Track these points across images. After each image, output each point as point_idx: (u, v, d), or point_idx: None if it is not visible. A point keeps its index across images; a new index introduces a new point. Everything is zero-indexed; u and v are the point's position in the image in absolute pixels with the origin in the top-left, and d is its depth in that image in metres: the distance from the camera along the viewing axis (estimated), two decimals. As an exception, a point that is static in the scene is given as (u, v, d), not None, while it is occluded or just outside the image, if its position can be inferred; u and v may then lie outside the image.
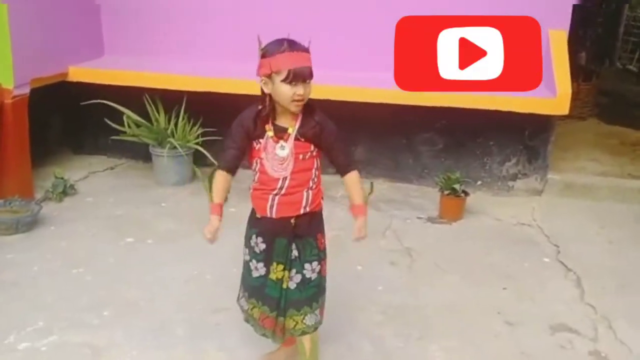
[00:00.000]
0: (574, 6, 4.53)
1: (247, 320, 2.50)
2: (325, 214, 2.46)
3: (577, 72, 5.78)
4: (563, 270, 3.67)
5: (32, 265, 3.46)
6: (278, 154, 2.22)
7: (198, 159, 4.92)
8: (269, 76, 2.14)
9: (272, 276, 2.36)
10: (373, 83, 4.49)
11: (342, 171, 2.37)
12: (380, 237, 4.02)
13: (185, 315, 3.02)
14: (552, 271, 3.67)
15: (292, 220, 2.30)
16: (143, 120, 4.81)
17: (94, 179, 4.92)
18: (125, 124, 4.79)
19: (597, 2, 7.65)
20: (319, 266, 2.39)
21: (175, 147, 4.69)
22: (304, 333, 2.39)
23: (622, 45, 11.51)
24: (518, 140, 4.84)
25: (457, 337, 2.95)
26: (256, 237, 2.37)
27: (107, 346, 2.76)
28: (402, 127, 4.90)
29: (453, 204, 4.35)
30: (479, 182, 4.93)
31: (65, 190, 4.41)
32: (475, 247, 3.96)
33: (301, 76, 2.12)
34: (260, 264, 2.37)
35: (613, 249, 4.02)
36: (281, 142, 2.22)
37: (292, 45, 2.14)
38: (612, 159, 5.46)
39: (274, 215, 2.29)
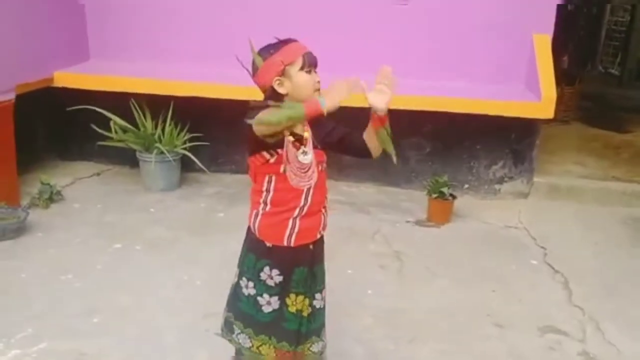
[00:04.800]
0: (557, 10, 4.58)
1: (239, 352, 2.24)
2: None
3: (561, 76, 5.85)
4: (550, 273, 3.71)
5: (20, 272, 3.43)
6: (301, 161, 1.98)
7: (186, 165, 4.91)
8: (282, 73, 1.94)
9: (292, 309, 2.13)
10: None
11: (359, 134, 2.14)
12: (370, 241, 4.03)
13: (175, 322, 3.01)
14: (540, 273, 3.71)
15: (311, 246, 2.10)
16: (130, 126, 4.77)
17: (80, 185, 4.89)
18: (112, 129, 4.75)
19: (579, 6, 7.74)
20: (325, 291, 2.26)
21: (162, 153, 4.67)
22: None
23: (603, 49, 11.66)
24: (504, 144, 4.88)
25: (448, 340, 2.97)
26: (270, 270, 2.07)
27: (96, 353, 2.75)
28: (389, 131, 4.89)
29: (441, 207, 4.38)
30: (466, 186, 4.97)
31: (52, 197, 4.38)
32: (463, 250, 3.98)
33: (315, 60, 1.99)
34: (275, 298, 2.10)
35: (598, 250, 4.06)
36: (302, 147, 2.00)
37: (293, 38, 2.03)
38: (596, 162, 5.53)
39: (292, 244, 2.04)
